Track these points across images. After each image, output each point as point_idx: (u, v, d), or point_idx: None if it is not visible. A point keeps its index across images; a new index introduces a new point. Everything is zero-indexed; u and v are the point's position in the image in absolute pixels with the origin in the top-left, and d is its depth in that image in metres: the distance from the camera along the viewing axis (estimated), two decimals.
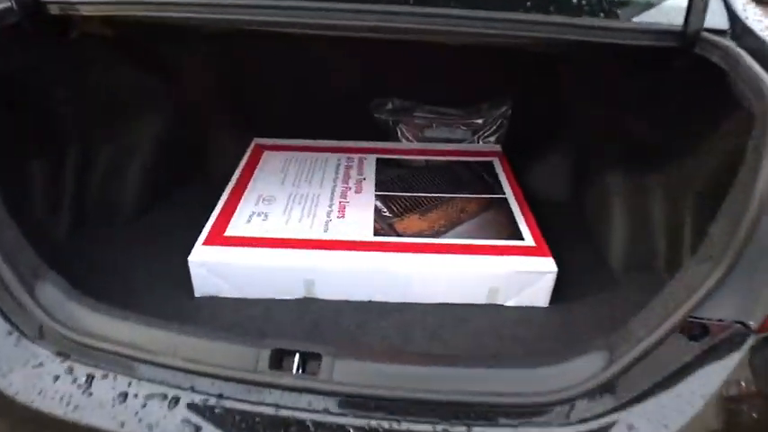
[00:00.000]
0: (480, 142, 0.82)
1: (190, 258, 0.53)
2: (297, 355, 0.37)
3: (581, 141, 0.70)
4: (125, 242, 0.62)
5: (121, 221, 0.65)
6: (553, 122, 0.75)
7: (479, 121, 0.81)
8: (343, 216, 0.61)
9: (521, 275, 0.54)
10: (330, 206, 0.62)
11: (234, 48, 0.72)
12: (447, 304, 0.55)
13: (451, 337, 0.51)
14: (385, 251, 0.55)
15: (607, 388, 0.35)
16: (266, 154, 0.74)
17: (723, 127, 0.47)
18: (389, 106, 0.82)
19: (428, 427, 0.35)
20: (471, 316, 0.54)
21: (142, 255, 0.60)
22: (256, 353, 0.37)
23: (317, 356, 0.37)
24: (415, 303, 0.55)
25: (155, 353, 0.38)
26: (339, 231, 0.58)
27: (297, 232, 0.58)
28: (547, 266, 0.54)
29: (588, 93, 0.67)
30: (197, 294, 0.55)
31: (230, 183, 0.67)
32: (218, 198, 0.66)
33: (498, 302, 0.55)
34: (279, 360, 0.37)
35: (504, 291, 0.55)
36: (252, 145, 0.76)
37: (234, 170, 0.72)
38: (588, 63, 0.64)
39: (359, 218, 0.60)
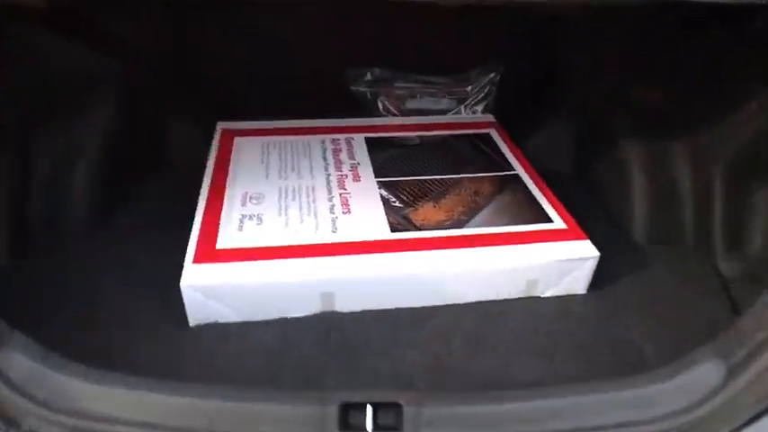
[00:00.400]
0: (467, 112, 0.76)
1: (182, 283, 0.44)
2: (369, 408, 0.30)
3: (585, 109, 0.66)
4: (84, 263, 0.50)
5: (75, 236, 0.52)
6: (548, 89, 0.70)
7: (467, 89, 0.75)
8: (348, 211, 0.52)
9: (561, 264, 0.49)
10: (330, 200, 0.54)
11: (188, 18, 0.60)
12: (482, 302, 0.49)
13: (496, 340, 0.46)
14: (410, 250, 0.48)
15: (731, 403, 0.31)
16: (237, 141, 0.63)
17: None
18: (368, 77, 0.73)
19: None
20: (511, 313, 0.49)
21: (108, 278, 0.49)
22: (320, 411, 0.30)
23: (396, 406, 0.30)
24: (447, 305, 0.49)
25: (182, 431, 0.29)
26: (351, 231, 0.50)
27: (302, 237, 0.49)
28: (588, 251, 0.49)
29: (595, 58, 0.62)
30: (192, 323, 0.46)
31: (205, 179, 0.56)
32: (186, 195, 0.55)
33: (536, 294, 0.51)
34: (347, 417, 0.30)
35: (543, 282, 0.50)
36: (218, 130, 0.64)
37: (198, 159, 0.61)
38: (597, 26, 0.58)
39: (368, 212, 0.53)
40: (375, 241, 0.49)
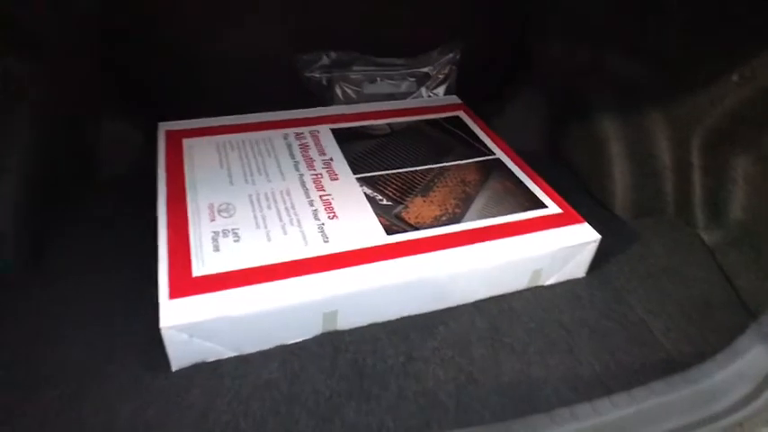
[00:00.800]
0: (428, 94, 0.72)
1: (162, 324, 0.36)
2: None
3: (558, 85, 0.64)
4: (26, 309, 0.41)
5: (6, 278, 0.43)
6: (515, 66, 0.68)
7: (427, 69, 0.71)
8: (335, 216, 0.47)
9: (565, 251, 0.47)
10: (312, 205, 0.48)
11: (113, 4, 0.50)
12: (488, 299, 0.47)
13: (512, 338, 0.44)
14: (412, 254, 0.44)
15: None
16: (187, 142, 0.55)
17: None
18: (324, 61, 0.66)
19: None
20: (520, 307, 0.47)
21: (59, 326, 0.41)
22: None
23: None
24: (454, 308, 0.46)
25: None
26: (343, 239, 0.45)
27: (291, 252, 0.43)
28: (590, 235, 0.48)
29: (565, 31, 0.60)
30: (175, 368, 0.39)
31: (159, 191, 0.48)
32: (135, 213, 0.48)
33: (539, 284, 0.49)
34: None
35: (546, 270, 0.48)
36: (162, 132, 0.56)
37: (141, 169, 0.53)
38: None
39: (356, 215, 0.48)
40: (372, 248, 0.44)
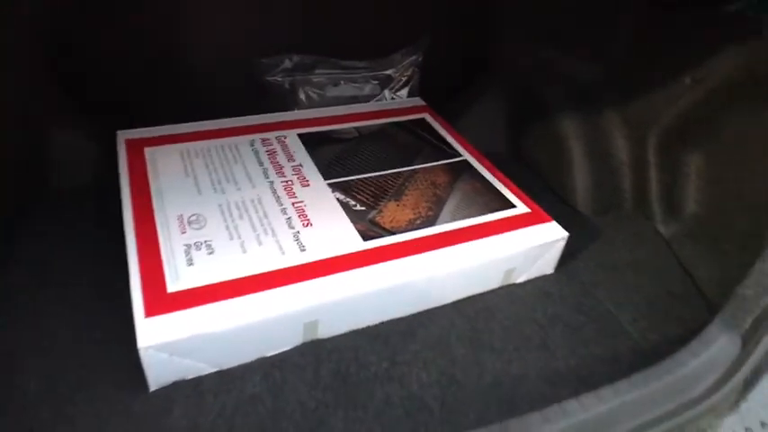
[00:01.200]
0: (391, 96, 0.72)
1: (140, 344, 0.35)
2: None
3: (518, 86, 0.66)
4: None
5: None
6: (476, 68, 0.69)
7: (390, 72, 0.71)
8: (310, 224, 0.47)
9: (536, 250, 0.49)
10: (285, 213, 0.48)
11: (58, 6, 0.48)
12: (464, 300, 0.48)
13: (491, 337, 0.45)
14: (390, 259, 0.44)
15: (756, 369, 0.33)
16: (149, 151, 0.53)
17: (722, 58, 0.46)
18: (286, 65, 0.65)
19: None
20: (495, 306, 0.48)
21: (23, 352, 0.38)
22: None
23: None
24: (431, 310, 0.46)
25: None
26: (320, 247, 0.44)
27: (268, 262, 0.42)
28: (558, 233, 0.50)
29: (528, 32, 0.62)
30: (153, 387, 0.37)
31: (124, 205, 0.46)
32: (94, 231, 0.46)
33: (512, 282, 0.50)
34: None
35: (519, 269, 0.49)
36: (121, 142, 0.53)
37: (100, 182, 0.51)
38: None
39: (331, 222, 0.47)
40: (350, 255, 0.44)
